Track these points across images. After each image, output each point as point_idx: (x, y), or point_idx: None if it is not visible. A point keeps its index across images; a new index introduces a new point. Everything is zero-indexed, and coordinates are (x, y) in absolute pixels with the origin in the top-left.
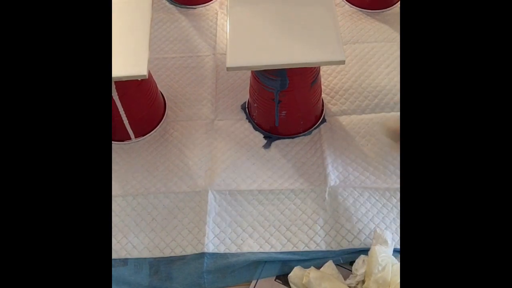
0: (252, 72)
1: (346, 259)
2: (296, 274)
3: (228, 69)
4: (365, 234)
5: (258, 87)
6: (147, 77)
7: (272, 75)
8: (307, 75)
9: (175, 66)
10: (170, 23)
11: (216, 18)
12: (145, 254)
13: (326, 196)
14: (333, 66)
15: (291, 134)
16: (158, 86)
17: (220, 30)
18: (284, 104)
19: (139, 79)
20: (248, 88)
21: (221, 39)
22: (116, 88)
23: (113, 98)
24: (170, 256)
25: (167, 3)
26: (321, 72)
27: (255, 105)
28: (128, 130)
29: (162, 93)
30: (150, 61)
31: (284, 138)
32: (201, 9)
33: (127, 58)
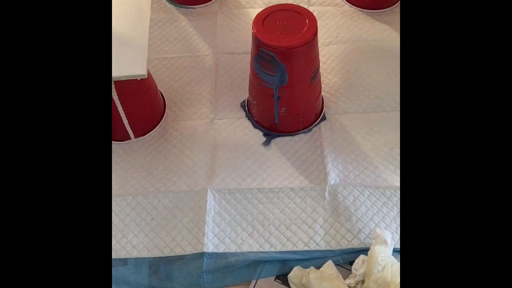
0: (252, 68)
1: (346, 259)
2: (295, 274)
3: None
4: (365, 234)
5: (257, 83)
6: (146, 77)
7: (271, 70)
8: (307, 70)
9: (175, 66)
10: (169, 23)
11: (216, 18)
12: (145, 254)
13: (326, 194)
14: (334, 64)
15: (290, 131)
16: (157, 86)
17: (219, 30)
18: (284, 100)
19: (139, 79)
20: (247, 86)
21: (221, 38)
22: (115, 88)
23: (113, 98)
24: (170, 256)
25: (167, 3)
26: (321, 70)
27: (255, 102)
28: (128, 130)
29: (162, 93)
30: (149, 61)
31: (283, 135)
32: (200, 9)
33: (127, 58)
